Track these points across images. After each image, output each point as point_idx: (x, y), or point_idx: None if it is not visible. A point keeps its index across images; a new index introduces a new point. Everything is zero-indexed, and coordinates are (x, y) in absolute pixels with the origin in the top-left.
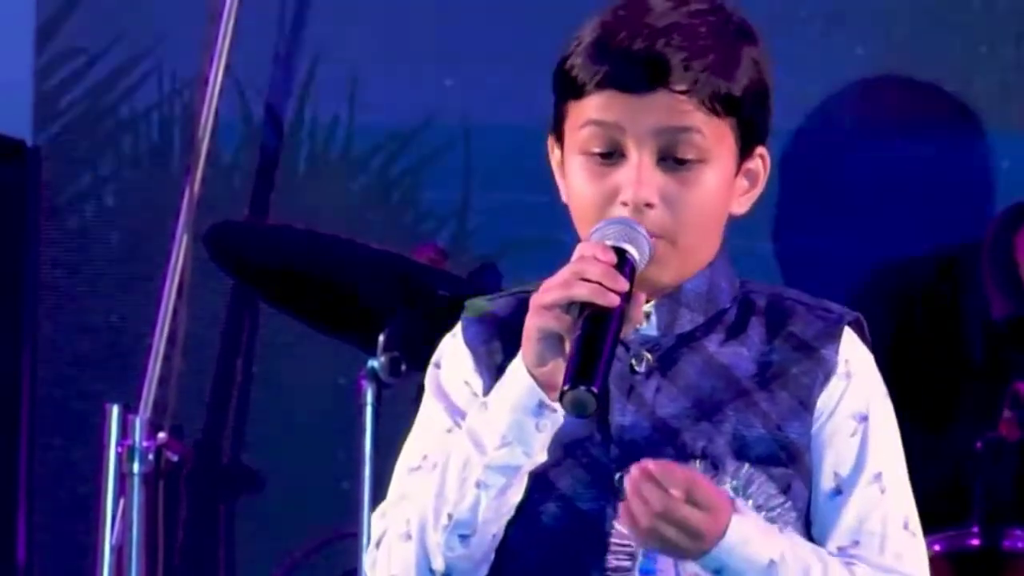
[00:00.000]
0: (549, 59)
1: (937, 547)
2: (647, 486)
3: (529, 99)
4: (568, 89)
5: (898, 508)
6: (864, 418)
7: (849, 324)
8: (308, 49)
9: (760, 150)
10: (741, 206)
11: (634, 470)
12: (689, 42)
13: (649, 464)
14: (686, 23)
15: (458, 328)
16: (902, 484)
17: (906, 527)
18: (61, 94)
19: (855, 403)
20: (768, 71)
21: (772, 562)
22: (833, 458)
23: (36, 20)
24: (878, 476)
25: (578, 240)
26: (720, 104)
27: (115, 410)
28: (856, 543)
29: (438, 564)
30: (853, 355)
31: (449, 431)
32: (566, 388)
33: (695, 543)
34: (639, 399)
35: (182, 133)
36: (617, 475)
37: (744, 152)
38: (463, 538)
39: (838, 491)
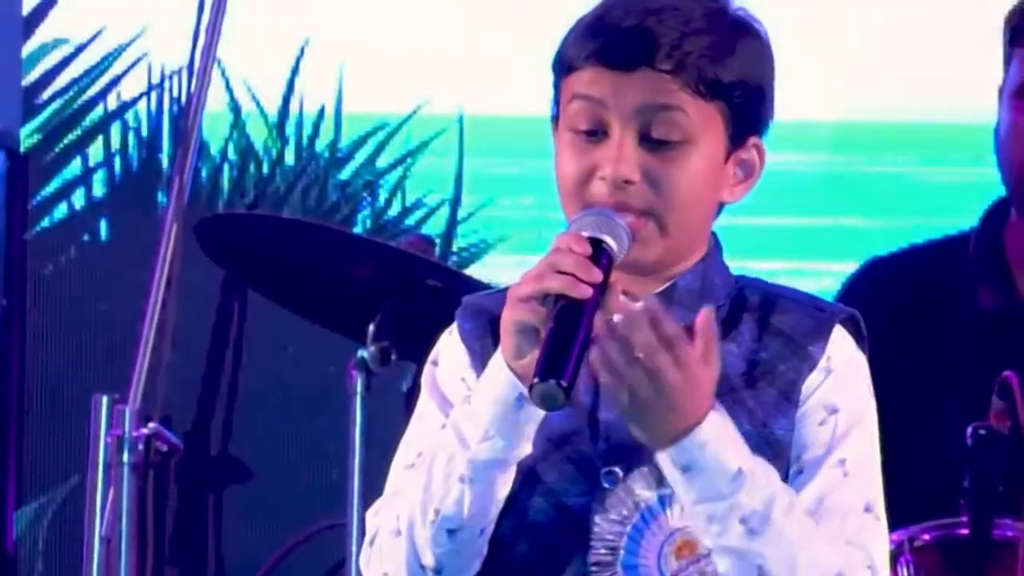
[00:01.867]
0: (541, 49)
1: (927, 536)
2: (635, 323)
3: (521, 89)
4: (561, 67)
5: (860, 492)
6: (835, 411)
7: (842, 322)
8: (296, 39)
9: (755, 140)
10: (734, 195)
11: (619, 316)
12: (681, 24)
13: (649, 304)
14: (681, 6)
15: (454, 325)
16: (868, 474)
17: (868, 510)
18: (47, 84)
19: (828, 396)
20: (768, 67)
21: (740, 471)
22: (799, 442)
23: (22, 10)
24: (842, 462)
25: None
26: (706, 87)
27: (104, 400)
28: (817, 520)
29: (428, 560)
30: (838, 352)
31: (444, 428)
32: (535, 381)
33: (662, 410)
34: None
35: (170, 123)
36: (603, 470)
37: (736, 140)
38: (451, 533)
39: (800, 471)
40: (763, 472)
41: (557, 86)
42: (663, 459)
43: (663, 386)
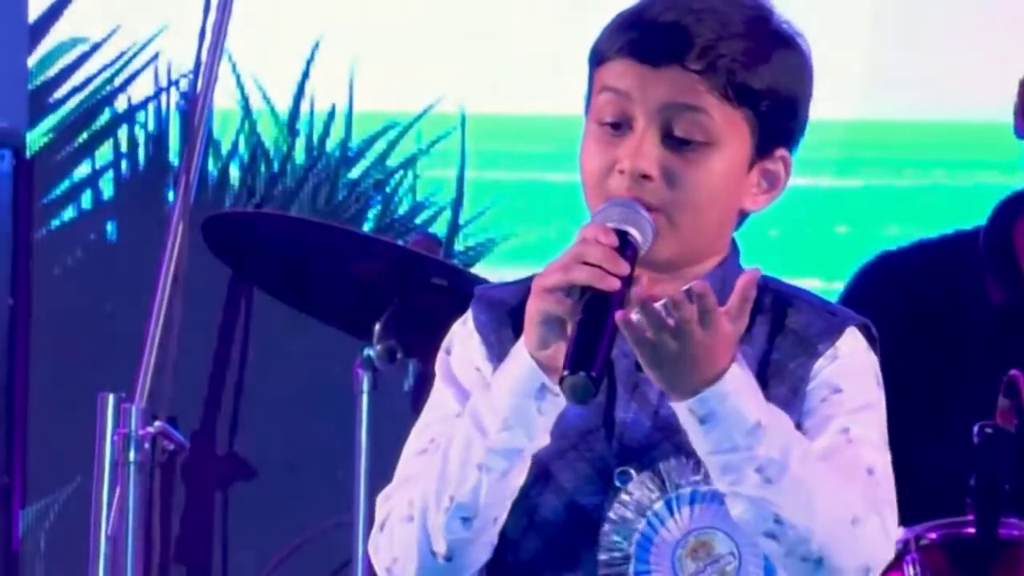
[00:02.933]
0: (550, 49)
1: (933, 535)
2: (674, 303)
3: (528, 89)
4: (594, 57)
5: (863, 457)
6: (838, 391)
7: (854, 327)
8: (308, 37)
9: (781, 152)
10: (756, 204)
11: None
12: (719, 26)
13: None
14: (723, 10)
15: (468, 315)
16: (874, 444)
17: (871, 473)
18: (58, 84)
19: (832, 378)
20: (804, 81)
21: (758, 424)
22: (802, 415)
23: (32, 10)
24: (846, 430)
25: (579, 223)
26: (735, 92)
27: (110, 399)
28: None
29: (440, 547)
30: (846, 346)
31: (458, 416)
32: (565, 373)
33: (685, 361)
34: (642, 397)
35: (179, 123)
36: (617, 470)
37: (762, 149)
38: (465, 521)
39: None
40: (779, 424)
41: (590, 77)
42: (681, 409)
43: (686, 341)
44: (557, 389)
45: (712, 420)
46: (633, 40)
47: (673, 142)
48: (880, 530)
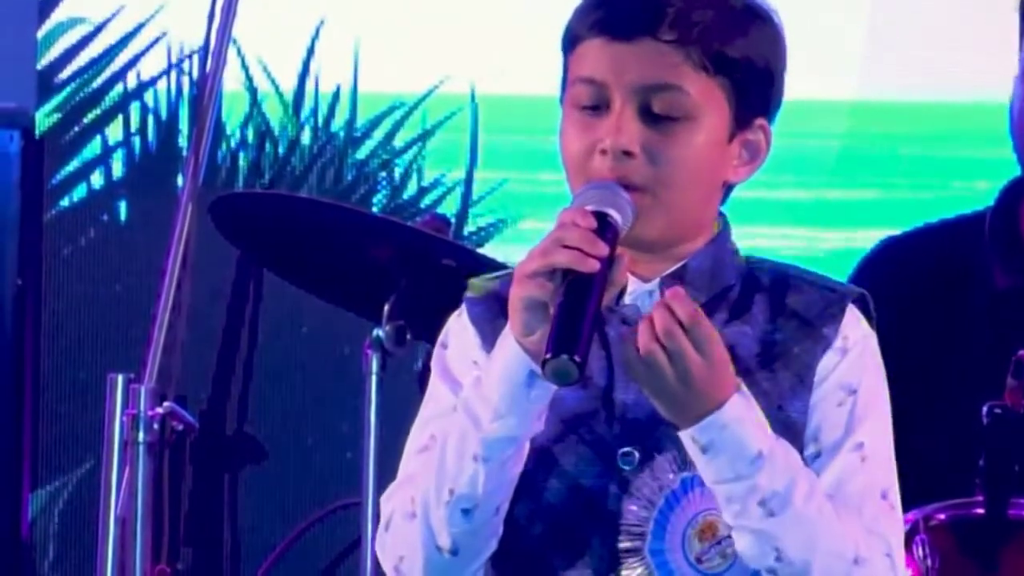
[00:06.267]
0: (557, 28)
1: (942, 516)
2: (660, 308)
3: (536, 69)
4: (567, 42)
5: (877, 478)
6: (853, 391)
7: (853, 302)
8: (311, 18)
9: (761, 122)
10: (738, 175)
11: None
12: None
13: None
14: None
15: (463, 308)
16: (885, 458)
17: (884, 497)
18: (65, 63)
19: (846, 376)
20: (778, 52)
21: (760, 454)
22: (817, 424)
23: None
24: (860, 445)
25: None
26: (710, 61)
27: (120, 380)
28: (834, 506)
29: (444, 541)
30: (852, 332)
31: (456, 409)
32: (548, 357)
33: (685, 390)
34: None
35: (187, 103)
36: (620, 452)
37: (741, 120)
38: (465, 513)
39: (817, 455)
40: (784, 456)
41: (565, 64)
42: (684, 437)
43: (685, 368)
44: None
45: (713, 449)
46: (603, 16)
47: (652, 118)
48: (887, 570)
